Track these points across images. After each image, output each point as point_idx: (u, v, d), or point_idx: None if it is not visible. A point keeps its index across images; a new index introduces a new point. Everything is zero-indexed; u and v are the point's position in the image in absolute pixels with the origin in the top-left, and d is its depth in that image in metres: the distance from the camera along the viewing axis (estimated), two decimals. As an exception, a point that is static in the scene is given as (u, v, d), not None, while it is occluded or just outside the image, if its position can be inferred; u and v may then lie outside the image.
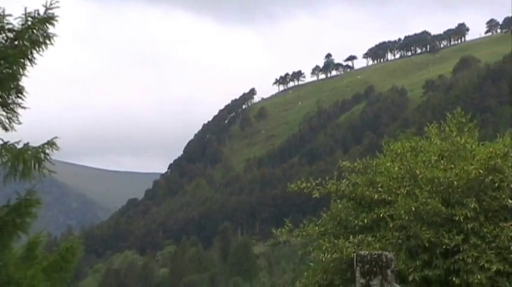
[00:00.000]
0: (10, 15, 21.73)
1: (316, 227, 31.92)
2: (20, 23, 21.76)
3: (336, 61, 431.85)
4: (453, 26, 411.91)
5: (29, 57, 21.90)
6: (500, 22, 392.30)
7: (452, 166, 30.02)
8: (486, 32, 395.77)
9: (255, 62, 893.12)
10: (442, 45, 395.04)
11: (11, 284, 20.16)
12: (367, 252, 14.43)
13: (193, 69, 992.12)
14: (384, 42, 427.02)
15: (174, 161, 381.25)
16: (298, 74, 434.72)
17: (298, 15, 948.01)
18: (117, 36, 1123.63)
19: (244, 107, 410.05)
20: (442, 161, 30.55)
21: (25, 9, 21.92)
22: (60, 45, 22.27)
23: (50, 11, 21.89)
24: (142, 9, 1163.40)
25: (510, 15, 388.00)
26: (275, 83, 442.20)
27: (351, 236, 29.47)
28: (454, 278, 27.71)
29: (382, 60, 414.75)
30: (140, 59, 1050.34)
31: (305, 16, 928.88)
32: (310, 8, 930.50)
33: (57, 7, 21.82)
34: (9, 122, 21.58)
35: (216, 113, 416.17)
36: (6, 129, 21.48)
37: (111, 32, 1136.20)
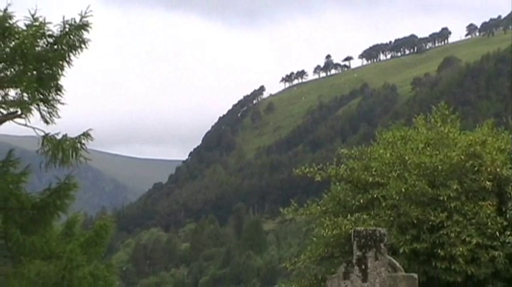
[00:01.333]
0: (50, 22, 21.76)
1: (318, 207, 31.95)
2: (59, 29, 21.80)
3: (334, 61, 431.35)
4: (437, 29, 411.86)
5: (67, 59, 21.93)
6: (479, 26, 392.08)
7: (437, 152, 30.03)
8: (466, 35, 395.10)
9: (263, 62, 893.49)
10: (427, 47, 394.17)
11: (53, 257, 20.22)
12: (363, 228, 14.46)
13: (209, 69, 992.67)
14: (377, 45, 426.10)
15: (194, 149, 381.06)
16: (301, 73, 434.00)
17: (298, 19, 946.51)
18: (139, 39, 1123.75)
19: (254, 102, 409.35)
20: (428, 148, 30.56)
21: (63, 17, 21.95)
22: (92, 48, 22.33)
23: (84, 19, 21.92)
24: (161, 15, 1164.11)
25: (487, 20, 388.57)
26: (281, 80, 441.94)
27: (349, 215, 29.49)
28: (439, 251, 27.70)
29: (375, 60, 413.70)
30: (160, 59, 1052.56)
31: (305, 20, 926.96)
32: (309, 13, 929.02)
33: (91, 15, 21.89)
34: (50, 116, 21.61)
35: (230, 107, 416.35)
36: (47, 122, 21.52)
37: (135, 35, 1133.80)
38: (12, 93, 21.87)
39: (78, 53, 22.04)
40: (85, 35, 22.03)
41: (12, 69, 21.75)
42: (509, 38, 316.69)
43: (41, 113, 21.59)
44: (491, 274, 27.47)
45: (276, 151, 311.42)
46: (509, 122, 34.84)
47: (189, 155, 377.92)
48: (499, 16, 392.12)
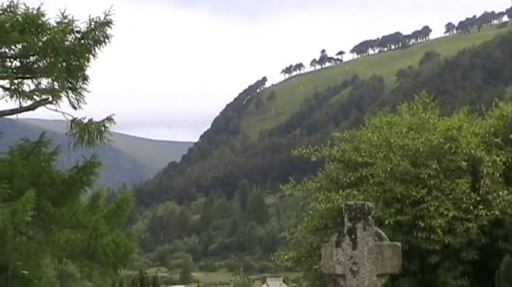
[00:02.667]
0: (78, 20, 21.72)
1: (314, 184, 32.03)
2: (86, 26, 21.78)
3: (328, 55, 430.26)
4: (419, 27, 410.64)
5: (92, 52, 21.90)
6: (456, 25, 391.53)
7: (419, 136, 30.07)
8: (445, 33, 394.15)
9: (265, 55, 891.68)
10: (411, 43, 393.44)
11: (80, 227, 20.23)
12: (353, 202, 14.46)
13: (217, 61, 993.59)
14: (366, 41, 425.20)
15: (204, 132, 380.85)
16: (299, 65, 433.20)
17: (296, 18, 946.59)
18: (156, 34, 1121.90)
19: (258, 91, 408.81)
20: (411, 132, 30.61)
21: (89, 15, 21.91)
22: (114, 41, 22.36)
23: (108, 17, 21.90)
24: (175, 14, 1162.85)
25: (463, 19, 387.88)
26: (281, 72, 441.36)
27: (340, 190, 29.56)
28: (420, 222, 27.77)
29: (364, 54, 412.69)
30: (173, 53, 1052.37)
31: (302, 19, 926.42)
32: (306, 12, 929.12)
33: (114, 13, 21.85)
34: (77, 102, 21.59)
35: (236, 95, 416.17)
36: (75, 108, 21.51)
37: (152, 30, 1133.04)
38: (44, 82, 21.84)
39: (103, 47, 22.06)
40: (108, 31, 22.03)
41: (44, 61, 21.73)
42: (482, 36, 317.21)
43: (69, 99, 21.57)
44: (465, 243, 27.50)
45: (277, 134, 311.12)
46: (482, 110, 34.84)
47: (200, 138, 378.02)
48: (474, 16, 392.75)
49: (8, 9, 21.96)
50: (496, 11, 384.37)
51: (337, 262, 13.30)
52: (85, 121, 21.32)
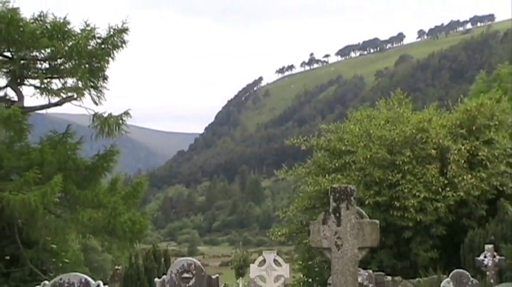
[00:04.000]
0: (98, 27, 21.76)
1: (303, 169, 32.03)
2: (105, 32, 21.80)
3: (316, 58, 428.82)
4: (395, 34, 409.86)
5: (111, 56, 21.93)
6: (426, 31, 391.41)
7: (394, 127, 30.06)
8: (417, 38, 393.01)
9: (261, 57, 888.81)
10: (387, 47, 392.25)
11: (101, 207, 20.22)
12: (337, 185, 14.45)
13: (219, 62, 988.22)
14: (349, 45, 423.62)
15: (208, 125, 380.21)
16: (291, 67, 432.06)
17: (288, 24, 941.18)
18: (166, 38, 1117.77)
19: (255, 88, 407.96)
20: (388, 124, 30.59)
21: (109, 24, 21.95)
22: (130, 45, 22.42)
23: (125, 25, 21.93)
24: (180, 20, 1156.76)
25: (433, 27, 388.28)
26: (275, 72, 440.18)
27: (327, 175, 29.59)
28: (395, 203, 27.78)
29: (347, 57, 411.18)
30: (180, 54, 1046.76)
31: (293, 25, 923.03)
32: (297, 19, 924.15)
33: (130, 22, 21.91)
34: (98, 99, 21.63)
35: (236, 93, 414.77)
36: (96, 104, 21.56)
37: (163, 35, 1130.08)
38: (69, 81, 21.90)
39: (120, 50, 22.11)
40: (125, 37, 22.09)
41: (70, 63, 21.76)
42: (449, 41, 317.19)
43: (91, 96, 21.63)
44: (435, 220, 27.54)
45: (271, 126, 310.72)
46: (449, 105, 34.87)
47: (205, 129, 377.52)
48: (442, 24, 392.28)
49: (39, 18, 21.99)
50: (461, 20, 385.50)
51: (324, 237, 13.26)
52: (105, 115, 21.38)
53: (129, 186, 22.37)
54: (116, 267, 34.61)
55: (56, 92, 21.79)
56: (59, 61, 21.94)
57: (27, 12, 21.87)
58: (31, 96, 22.07)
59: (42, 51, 21.92)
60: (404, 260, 27.41)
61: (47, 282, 9.21)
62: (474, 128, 30.15)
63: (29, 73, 22.06)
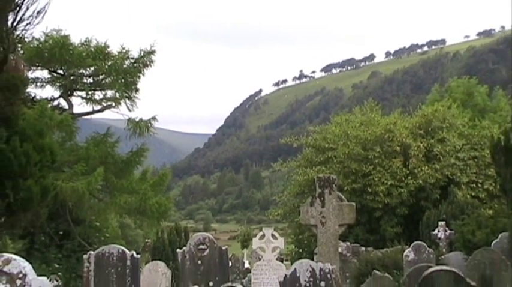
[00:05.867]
0: (131, 50, 21.85)
1: (295, 162, 31.96)
2: (137, 54, 21.85)
3: (305, 74, 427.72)
4: (367, 54, 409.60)
5: (142, 73, 21.99)
6: (392, 52, 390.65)
7: (367, 129, 29.99)
8: (385, 58, 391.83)
9: (261, 73, 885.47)
10: (361, 65, 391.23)
11: (134, 192, 20.24)
12: (322, 175, 14.49)
13: (228, 77, 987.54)
14: (330, 63, 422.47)
15: (219, 127, 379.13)
16: (284, 81, 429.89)
17: (283, 46, 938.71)
18: (184, 58, 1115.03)
19: (256, 98, 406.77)
20: (362, 127, 30.51)
21: (140, 48, 22.03)
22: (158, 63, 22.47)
23: (153, 48, 21.98)
24: (193, 45, 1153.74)
25: (397, 49, 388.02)
26: (272, 85, 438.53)
27: (313, 167, 29.51)
28: (368, 189, 27.72)
29: (329, 73, 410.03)
30: (196, 72, 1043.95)
31: (286, 47, 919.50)
32: (287, 42, 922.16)
33: (156, 45, 22.00)
34: (132, 107, 21.64)
35: (241, 101, 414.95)
36: (130, 110, 21.57)
37: (183, 58, 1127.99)
38: (109, 93, 21.94)
39: (149, 69, 22.16)
40: (153, 58, 22.14)
41: (109, 79, 21.80)
42: (410, 60, 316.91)
43: (126, 105, 21.66)
44: (399, 202, 27.50)
45: (269, 128, 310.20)
46: (410, 111, 34.84)
47: (216, 131, 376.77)
48: (404, 46, 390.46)
49: (85, 43, 22.05)
50: (419, 43, 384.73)
51: (311, 216, 13.31)
52: (137, 120, 21.45)
53: (156, 176, 22.38)
54: (146, 240, 34.64)
55: (98, 102, 21.84)
56: (101, 77, 21.97)
57: (76, 37, 22.04)
58: (78, 105, 22.13)
59: (88, 69, 21.98)
60: (375, 234, 27.38)
61: (92, 252, 9.21)
62: (430, 129, 30.15)
63: (77, 87, 22.10)
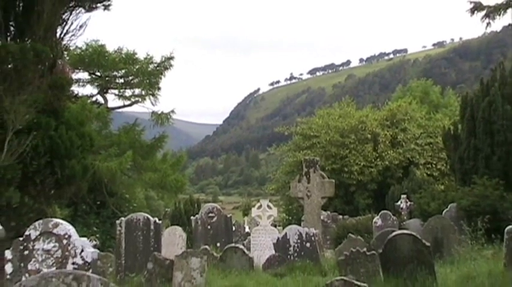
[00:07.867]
0: (154, 56, 21.78)
1: (286, 147, 31.97)
2: (159, 59, 21.79)
3: (294, 75, 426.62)
4: (345, 60, 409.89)
5: (163, 74, 21.94)
6: (365, 59, 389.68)
7: (344, 120, 29.97)
8: (359, 63, 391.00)
9: (258, 75, 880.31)
10: (340, 69, 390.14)
11: (156, 171, 20.25)
12: (308, 157, 14.51)
13: (232, 77, 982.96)
14: (315, 67, 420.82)
15: (225, 118, 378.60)
16: (278, 81, 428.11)
17: (277, 51, 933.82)
18: (194, 63, 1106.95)
19: (255, 95, 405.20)
20: (340, 119, 30.49)
21: (161, 55, 21.92)
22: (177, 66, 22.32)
23: (171, 54, 21.93)
24: (200, 51, 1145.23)
25: (369, 56, 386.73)
26: (268, 85, 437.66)
27: (301, 151, 29.53)
28: (345, 168, 27.77)
29: (314, 75, 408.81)
30: (207, 74, 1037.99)
31: (279, 53, 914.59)
32: (280, 50, 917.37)
33: (174, 52, 21.92)
34: (154, 101, 21.63)
35: (243, 97, 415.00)
36: (153, 105, 21.59)
37: (192, 62, 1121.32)
38: (136, 91, 21.92)
39: (168, 71, 22.11)
40: (172, 62, 22.09)
41: (137, 79, 21.78)
42: (379, 65, 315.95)
43: (150, 100, 21.67)
44: (370, 180, 27.55)
45: (266, 119, 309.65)
46: (379, 106, 34.81)
47: (223, 121, 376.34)
48: (374, 54, 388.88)
49: (117, 51, 22.01)
50: (386, 52, 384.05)
51: (299, 190, 13.35)
52: (159, 112, 21.45)
53: (174, 158, 22.38)
54: (166, 209, 34.68)
55: (128, 98, 21.89)
56: (130, 78, 21.96)
57: (111, 46, 22.05)
58: (112, 100, 22.21)
59: (120, 71, 21.98)
60: (350, 205, 27.46)
61: (123, 218, 9.25)
62: (395, 121, 30.16)
63: (111, 86, 22.12)
